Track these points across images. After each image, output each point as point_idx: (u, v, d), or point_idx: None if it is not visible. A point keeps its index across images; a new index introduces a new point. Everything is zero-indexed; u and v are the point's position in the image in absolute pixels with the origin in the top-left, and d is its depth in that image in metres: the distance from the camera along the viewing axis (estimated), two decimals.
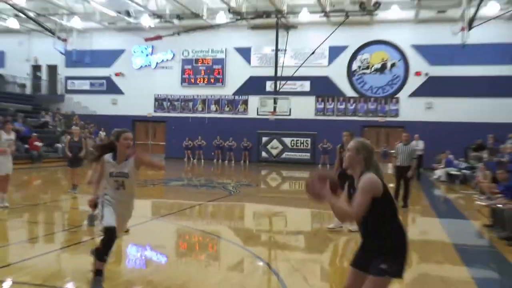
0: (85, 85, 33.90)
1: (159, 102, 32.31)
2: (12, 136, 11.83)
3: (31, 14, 28.70)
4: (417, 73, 28.33)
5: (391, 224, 4.35)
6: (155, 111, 32.46)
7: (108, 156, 5.63)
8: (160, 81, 31.87)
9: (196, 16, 27.96)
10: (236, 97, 31.07)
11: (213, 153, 29.81)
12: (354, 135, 8.96)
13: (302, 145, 29.53)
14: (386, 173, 15.04)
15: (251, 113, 30.55)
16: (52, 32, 30.17)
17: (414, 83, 28.41)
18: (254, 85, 30.40)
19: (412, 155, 12.68)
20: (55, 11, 29.79)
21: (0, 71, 34.34)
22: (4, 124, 12.90)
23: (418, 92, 28.21)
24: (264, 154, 30.12)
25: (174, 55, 31.68)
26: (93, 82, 33.68)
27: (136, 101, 31.94)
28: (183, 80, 31.88)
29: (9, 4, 26.74)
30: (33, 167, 23.36)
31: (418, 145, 20.74)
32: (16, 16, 29.99)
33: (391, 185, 12.50)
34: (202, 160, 29.51)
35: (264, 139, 30.05)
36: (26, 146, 25.66)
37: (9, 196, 11.85)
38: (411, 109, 27.61)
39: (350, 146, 4.40)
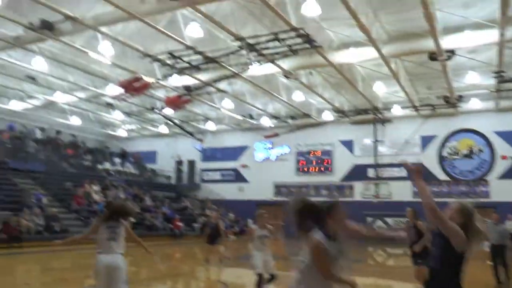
0: (217, 175, 34.92)
1: (278, 188, 32.31)
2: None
3: (177, 121, 30.53)
4: (503, 157, 26.33)
5: (455, 281, 3.87)
6: (275, 196, 32.28)
7: (318, 234, 3.69)
8: (279, 171, 32.00)
9: (306, 115, 28.44)
10: (343, 182, 30.54)
11: None
12: (416, 212, 8.83)
13: (403, 224, 27.97)
14: (483, 251, 13.94)
15: (356, 197, 29.70)
16: (191, 134, 31.70)
17: (501, 166, 26.38)
18: (357, 172, 29.84)
19: (504, 234, 11.54)
20: (194, 117, 31.57)
21: (153, 166, 36.46)
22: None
23: (507, 175, 26.09)
24: None
25: (290, 148, 32.05)
26: (223, 173, 34.62)
27: (258, 188, 32.24)
28: (297, 169, 31.97)
29: (161, 115, 28.74)
30: (175, 242, 24.06)
31: None
32: (166, 123, 32.21)
33: (489, 262, 11.44)
34: None
35: (369, 219, 28.93)
36: (170, 225, 26.62)
37: (156, 266, 12.14)
38: (502, 190, 25.54)
39: (451, 206, 4.13)
